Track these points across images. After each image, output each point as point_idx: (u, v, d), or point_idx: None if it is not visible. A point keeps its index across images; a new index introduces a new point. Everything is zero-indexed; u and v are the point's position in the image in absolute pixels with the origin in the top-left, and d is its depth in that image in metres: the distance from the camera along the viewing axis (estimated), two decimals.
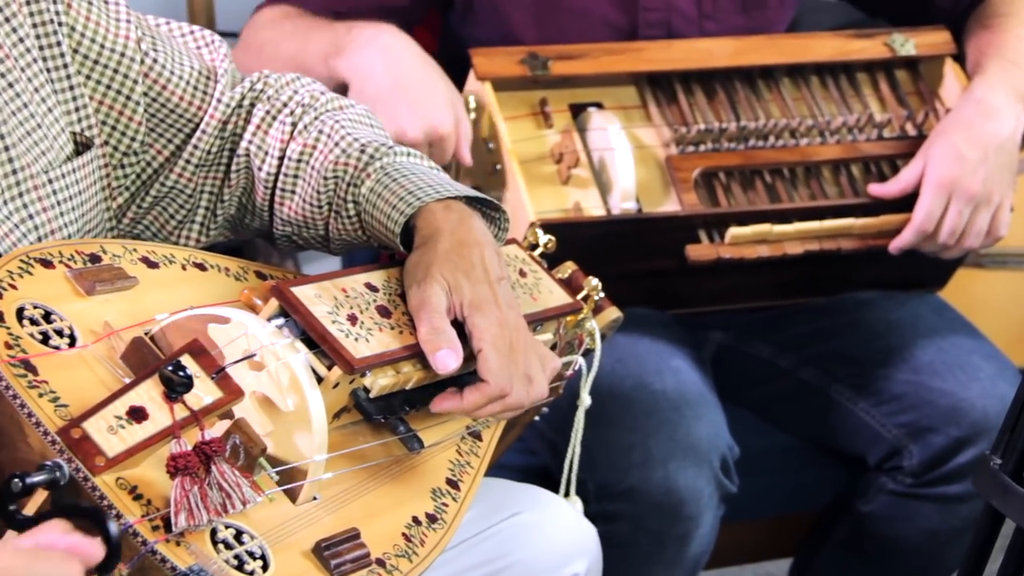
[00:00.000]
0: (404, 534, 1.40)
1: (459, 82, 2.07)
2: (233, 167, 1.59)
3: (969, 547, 1.52)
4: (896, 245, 2.07)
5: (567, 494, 1.72)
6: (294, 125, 1.58)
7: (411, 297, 1.45)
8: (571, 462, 1.71)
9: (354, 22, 2.06)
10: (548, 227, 1.74)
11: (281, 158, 1.57)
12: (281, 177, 1.57)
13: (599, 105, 2.08)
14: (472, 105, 2.04)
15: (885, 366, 2.13)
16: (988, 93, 2.09)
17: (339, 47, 2.03)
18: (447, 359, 1.41)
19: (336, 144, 1.55)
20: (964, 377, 2.10)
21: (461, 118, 2.01)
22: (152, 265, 1.43)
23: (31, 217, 1.43)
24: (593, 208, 2.00)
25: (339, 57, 2.03)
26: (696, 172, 2.05)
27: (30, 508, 1.20)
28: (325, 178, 1.54)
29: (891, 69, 2.20)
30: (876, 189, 2.09)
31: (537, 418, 1.76)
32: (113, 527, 1.18)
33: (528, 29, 2.13)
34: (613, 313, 1.73)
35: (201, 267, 1.48)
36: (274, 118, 1.59)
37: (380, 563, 1.35)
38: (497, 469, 1.67)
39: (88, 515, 1.19)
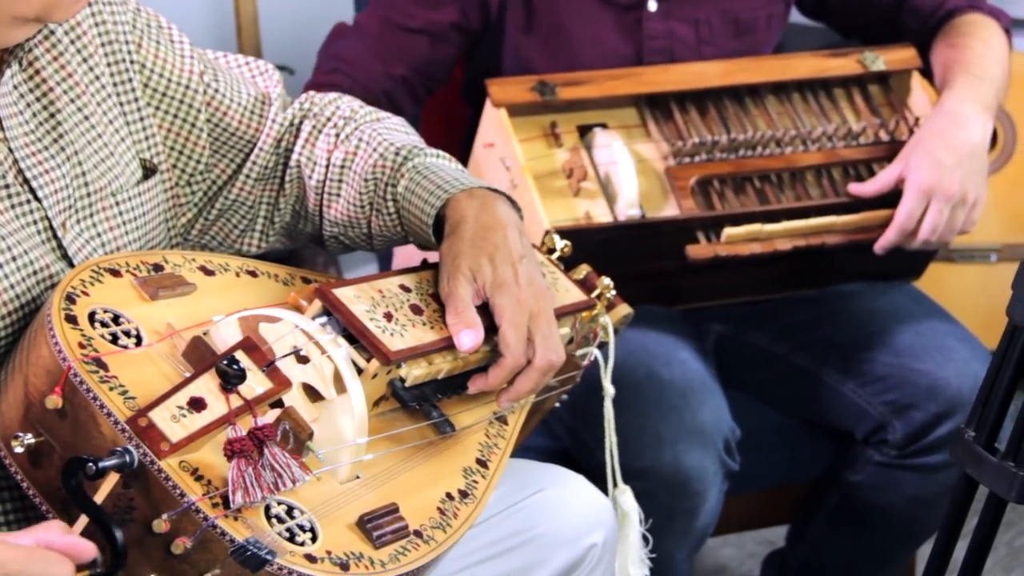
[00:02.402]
0: (439, 508, 1.40)
1: (481, 108, 2.08)
2: (287, 178, 1.61)
3: (947, 510, 1.52)
4: (881, 244, 2.06)
5: (615, 485, 1.71)
6: (337, 135, 1.59)
7: (441, 288, 1.46)
8: (611, 452, 1.71)
9: None
10: (561, 234, 1.74)
11: (327, 166, 1.59)
12: (327, 182, 1.59)
13: (604, 125, 2.09)
14: None
15: (869, 350, 2.13)
16: (958, 105, 2.08)
17: None
18: (466, 337, 1.43)
19: (374, 149, 1.56)
20: (940, 358, 2.09)
21: None
22: (209, 273, 1.44)
23: (99, 235, 1.44)
24: (601, 216, 2.01)
25: None
26: (692, 180, 2.05)
27: (104, 489, 1.21)
28: (365, 180, 1.55)
29: (864, 83, 2.20)
30: (855, 188, 2.09)
31: (558, 405, 1.76)
32: (119, 534, 1.19)
33: (545, 61, 2.14)
34: (624, 309, 1.73)
35: (253, 274, 1.48)
36: (320, 131, 1.60)
37: (417, 534, 1.35)
38: (522, 451, 1.67)
39: (96, 519, 1.20)
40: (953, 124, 2.06)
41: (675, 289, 2.14)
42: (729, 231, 2.03)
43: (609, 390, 1.69)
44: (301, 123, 1.62)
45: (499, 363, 1.45)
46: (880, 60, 2.18)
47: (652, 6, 2.14)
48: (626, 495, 1.71)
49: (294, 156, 1.60)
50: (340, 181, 1.58)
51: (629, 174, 2.02)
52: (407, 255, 1.97)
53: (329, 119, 1.61)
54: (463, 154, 2.16)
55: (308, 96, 1.64)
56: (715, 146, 2.08)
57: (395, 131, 1.61)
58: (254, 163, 1.59)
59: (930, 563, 1.51)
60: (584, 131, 2.08)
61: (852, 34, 2.33)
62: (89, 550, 1.18)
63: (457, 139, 2.29)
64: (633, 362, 2.01)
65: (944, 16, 2.21)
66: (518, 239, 1.48)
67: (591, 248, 1.81)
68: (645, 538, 1.72)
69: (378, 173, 1.55)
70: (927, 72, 2.21)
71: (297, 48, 2.59)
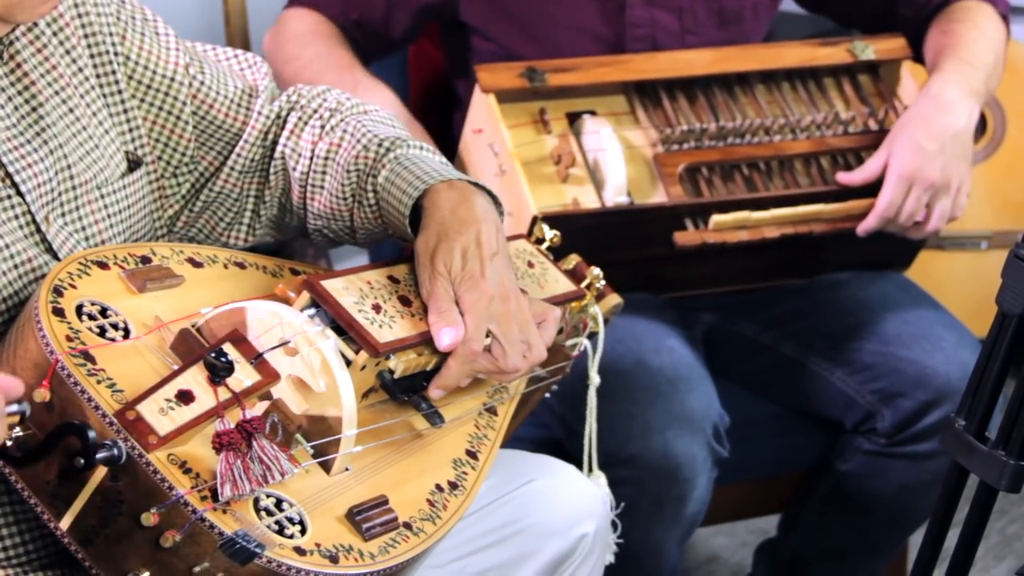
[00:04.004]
0: (428, 500, 1.40)
1: (459, 90, 2.08)
2: (272, 170, 1.60)
3: (938, 499, 1.52)
4: (863, 228, 2.06)
5: (590, 470, 1.71)
6: (322, 127, 1.59)
7: (422, 288, 1.46)
8: (590, 439, 1.71)
9: (360, 77, 2.10)
10: (549, 219, 1.74)
11: (311, 157, 1.58)
12: (311, 174, 1.58)
13: (592, 112, 2.08)
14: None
15: (858, 339, 2.13)
16: (943, 89, 2.08)
17: None
18: (448, 334, 1.42)
19: (358, 141, 1.56)
20: (929, 346, 2.09)
21: None
22: (197, 265, 1.44)
23: (84, 228, 1.44)
24: (589, 202, 2.00)
25: None
26: (681, 167, 2.05)
27: (92, 482, 1.21)
28: (348, 172, 1.55)
29: (854, 73, 2.19)
30: (843, 177, 2.08)
31: (548, 395, 1.77)
32: (92, 434, 1.19)
33: (525, 43, 2.14)
34: (614, 299, 1.73)
35: (241, 266, 1.48)
36: (305, 123, 1.60)
37: (407, 526, 1.35)
38: (512, 441, 1.67)
39: (73, 431, 1.20)
40: (937, 108, 2.06)
41: (663, 276, 2.14)
42: (717, 218, 2.03)
43: (595, 379, 1.70)
44: (288, 115, 1.61)
45: (456, 351, 1.43)
46: (870, 49, 2.18)
47: None
48: (600, 480, 1.72)
49: (279, 148, 1.60)
50: (324, 173, 1.57)
51: (617, 161, 2.02)
52: None
53: (316, 111, 1.61)
54: (452, 140, 2.16)
55: (296, 88, 1.64)
56: (704, 133, 2.08)
57: (381, 123, 1.60)
58: (239, 155, 1.59)
59: (922, 551, 1.52)
60: (573, 118, 2.08)
61: (849, 24, 2.33)
62: (17, 385, 1.17)
63: (446, 125, 2.29)
64: (621, 349, 2.01)
65: (940, 3, 2.21)
66: (493, 235, 1.47)
67: (579, 234, 1.81)
68: (615, 524, 1.71)
69: (360, 164, 1.55)
70: (919, 61, 2.21)
71: None
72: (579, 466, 1.70)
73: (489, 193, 1.54)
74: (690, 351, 2.08)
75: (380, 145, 1.54)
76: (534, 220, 1.87)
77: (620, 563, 1.76)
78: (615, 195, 2.01)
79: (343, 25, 2.16)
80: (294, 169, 1.59)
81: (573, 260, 1.70)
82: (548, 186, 2.02)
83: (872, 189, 2.07)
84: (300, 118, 1.60)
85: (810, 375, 2.16)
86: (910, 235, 2.10)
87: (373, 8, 2.16)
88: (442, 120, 2.27)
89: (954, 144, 2.05)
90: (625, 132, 2.07)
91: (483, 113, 2.04)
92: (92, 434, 1.20)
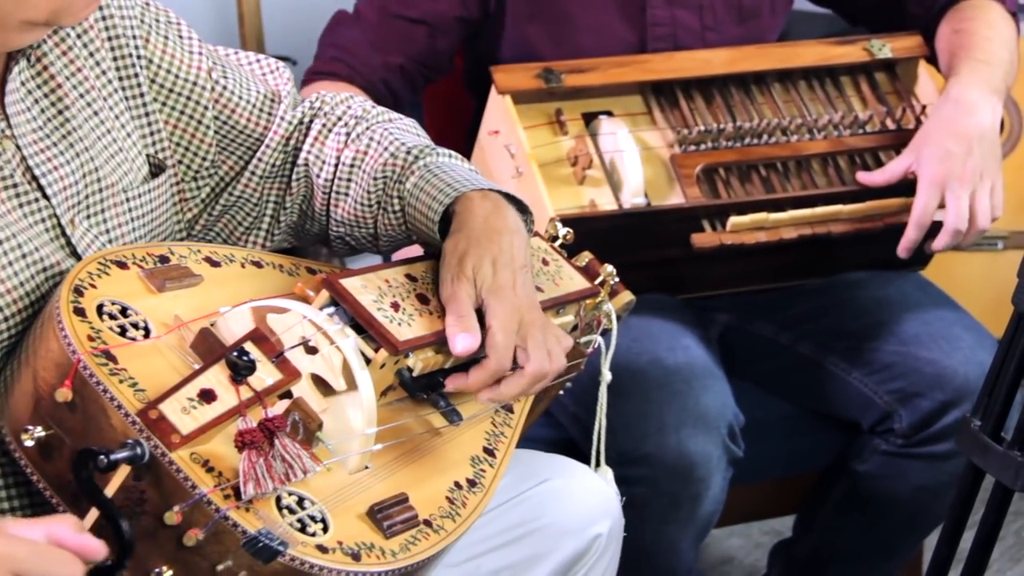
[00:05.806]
0: (448, 497, 1.41)
1: (484, 97, 2.10)
2: (294, 177, 1.61)
3: (953, 499, 1.54)
4: (903, 246, 2.05)
5: (598, 464, 1.72)
6: (348, 135, 1.60)
7: (443, 288, 1.46)
8: (599, 434, 1.71)
9: None
10: (566, 221, 1.76)
11: (336, 164, 1.60)
12: (336, 181, 1.59)
13: (609, 113, 2.10)
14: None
15: (875, 339, 2.14)
16: (964, 91, 2.09)
17: None
18: (464, 340, 1.42)
19: (385, 149, 1.57)
20: (947, 347, 2.10)
21: None
22: (215, 264, 1.45)
23: (108, 231, 1.46)
24: (606, 204, 2.02)
25: None
26: (698, 168, 2.06)
27: (115, 482, 1.23)
28: (375, 179, 1.56)
29: (870, 71, 2.21)
30: (864, 177, 2.10)
31: (561, 393, 1.78)
32: (126, 526, 1.20)
33: (547, 47, 2.15)
34: (627, 296, 1.74)
35: (258, 265, 1.50)
36: (330, 130, 1.61)
37: (427, 523, 1.37)
38: (527, 441, 1.68)
39: (105, 512, 1.21)
40: (960, 111, 2.07)
41: (680, 278, 2.16)
42: (735, 220, 2.04)
43: (606, 376, 1.70)
44: (311, 122, 1.62)
45: (482, 364, 1.43)
46: (887, 48, 2.19)
47: None
48: (607, 475, 1.73)
49: (302, 154, 1.61)
50: (349, 180, 1.59)
51: (634, 162, 2.03)
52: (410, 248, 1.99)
53: (340, 118, 1.62)
54: (467, 144, 2.18)
55: (319, 95, 1.65)
56: (721, 134, 2.09)
57: (407, 132, 1.61)
58: (260, 160, 1.60)
59: (937, 553, 1.53)
60: (589, 119, 2.09)
61: (858, 21, 2.35)
62: (100, 549, 1.18)
63: (461, 129, 2.31)
64: (637, 348, 2.03)
65: (948, 1, 2.23)
66: (522, 248, 1.48)
67: (596, 236, 1.82)
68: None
69: (388, 171, 1.56)
70: (933, 59, 2.23)
71: (300, 39, 2.60)
72: (591, 463, 1.71)
73: (520, 205, 1.55)
74: (705, 350, 2.10)
75: (409, 153, 1.56)
76: (549, 221, 1.89)
77: (634, 563, 1.77)
78: (632, 196, 2.02)
79: (383, 81, 2.14)
80: (318, 176, 1.60)
81: (586, 257, 1.72)
82: (565, 188, 2.03)
83: (891, 190, 2.08)
84: (324, 125, 1.61)
85: (827, 375, 2.17)
86: (963, 242, 2.07)
87: (414, 41, 2.16)
88: (457, 135, 2.29)
89: (981, 143, 2.06)
90: (642, 133, 2.09)
91: (499, 114, 2.06)
92: (107, 458, 1.21)
